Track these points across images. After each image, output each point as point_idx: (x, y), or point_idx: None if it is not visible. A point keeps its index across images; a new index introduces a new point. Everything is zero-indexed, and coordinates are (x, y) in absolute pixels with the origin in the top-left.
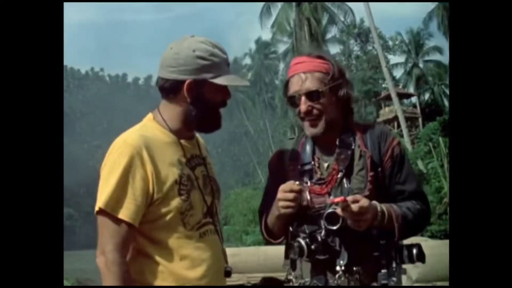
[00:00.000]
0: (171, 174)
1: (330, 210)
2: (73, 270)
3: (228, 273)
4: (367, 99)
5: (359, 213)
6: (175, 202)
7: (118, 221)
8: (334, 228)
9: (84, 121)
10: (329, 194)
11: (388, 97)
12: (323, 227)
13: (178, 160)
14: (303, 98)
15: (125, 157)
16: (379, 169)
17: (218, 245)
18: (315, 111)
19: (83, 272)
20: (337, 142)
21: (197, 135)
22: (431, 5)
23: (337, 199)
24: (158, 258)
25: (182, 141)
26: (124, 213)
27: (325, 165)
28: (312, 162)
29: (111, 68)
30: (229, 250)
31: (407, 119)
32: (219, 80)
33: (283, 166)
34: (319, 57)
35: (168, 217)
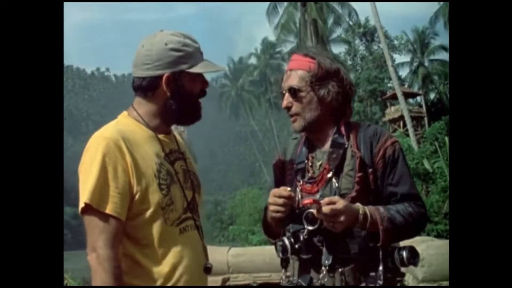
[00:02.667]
0: (150, 167)
1: (309, 210)
2: (80, 270)
3: (207, 270)
4: (372, 99)
5: (332, 216)
6: (156, 197)
7: (105, 216)
8: (311, 228)
9: (90, 121)
10: (321, 193)
11: (394, 97)
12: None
13: (157, 154)
14: (286, 94)
15: (104, 150)
16: (370, 170)
17: (198, 241)
18: (294, 108)
19: (89, 272)
20: (329, 142)
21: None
22: (437, 4)
23: (307, 201)
24: (138, 256)
25: (160, 136)
26: (110, 208)
27: (318, 164)
28: (306, 161)
29: (117, 68)
30: (235, 250)
31: (413, 118)
32: (196, 69)
33: (284, 165)
34: (308, 55)
35: (148, 213)
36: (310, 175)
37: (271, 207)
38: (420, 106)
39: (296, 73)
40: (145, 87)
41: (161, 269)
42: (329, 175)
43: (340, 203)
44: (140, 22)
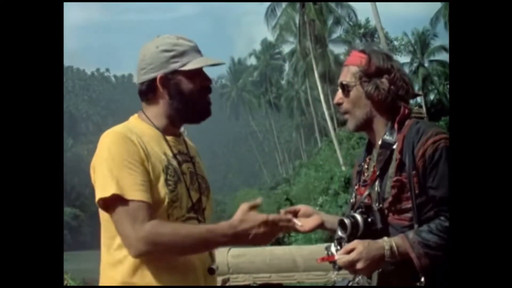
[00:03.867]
0: (158, 163)
1: (342, 217)
2: (80, 270)
3: (211, 271)
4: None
5: (350, 266)
6: (163, 191)
7: (136, 204)
8: (343, 235)
9: (89, 121)
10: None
11: None
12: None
13: (165, 153)
14: (339, 90)
15: (119, 142)
16: (414, 172)
17: None
18: (344, 105)
19: (90, 272)
20: (379, 142)
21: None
22: (437, 5)
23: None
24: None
25: (168, 137)
26: (141, 195)
27: (372, 165)
28: (363, 163)
29: (117, 68)
30: (235, 251)
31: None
32: (188, 66)
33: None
34: (362, 51)
35: (156, 207)
36: (364, 178)
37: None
38: (420, 106)
39: (348, 68)
40: (145, 92)
41: (161, 266)
42: (375, 177)
43: (354, 253)
44: (140, 22)
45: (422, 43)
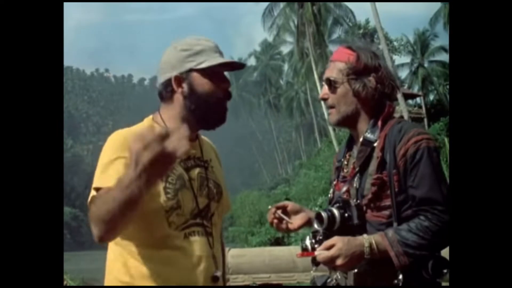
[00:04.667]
0: None
1: (319, 211)
2: (79, 270)
3: (215, 279)
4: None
5: (329, 262)
6: (160, 200)
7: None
8: (319, 228)
9: (89, 122)
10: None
11: None
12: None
13: None
14: (324, 85)
15: (117, 145)
16: (394, 171)
17: (206, 247)
18: (329, 100)
19: (89, 272)
20: (360, 139)
21: (207, 140)
22: (436, 5)
23: (299, 254)
24: (138, 258)
25: None
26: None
27: (352, 162)
28: (342, 159)
29: (116, 69)
30: (234, 251)
31: (412, 119)
32: (203, 65)
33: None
34: (350, 48)
35: (151, 214)
36: (343, 174)
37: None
38: (420, 107)
39: (335, 64)
40: (162, 92)
41: (162, 272)
42: (354, 173)
43: (334, 249)
44: (139, 22)
45: (422, 43)
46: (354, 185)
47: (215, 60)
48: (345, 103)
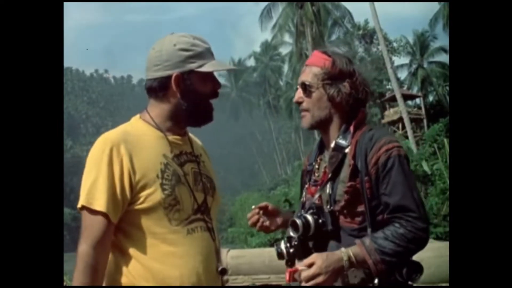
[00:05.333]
0: (152, 168)
1: (293, 218)
2: None
3: (223, 271)
4: (372, 101)
5: (310, 280)
6: (157, 197)
7: (92, 212)
8: (294, 235)
9: (89, 122)
10: (319, 196)
11: (393, 99)
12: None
13: (164, 155)
14: (299, 89)
15: (102, 151)
16: (366, 178)
17: (209, 242)
18: (304, 104)
19: None
20: (332, 144)
21: (193, 136)
22: (436, 6)
23: (287, 276)
24: (142, 257)
25: (170, 137)
26: (98, 204)
27: (323, 166)
28: (314, 163)
29: (116, 69)
30: (234, 252)
31: (412, 120)
32: (205, 68)
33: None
34: (326, 52)
35: (150, 213)
36: (314, 178)
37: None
38: (419, 108)
39: (310, 69)
40: (156, 88)
41: (165, 270)
42: (327, 179)
43: (314, 267)
44: (139, 23)
45: (421, 44)
46: (327, 191)
47: (215, 65)
48: (319, 107)
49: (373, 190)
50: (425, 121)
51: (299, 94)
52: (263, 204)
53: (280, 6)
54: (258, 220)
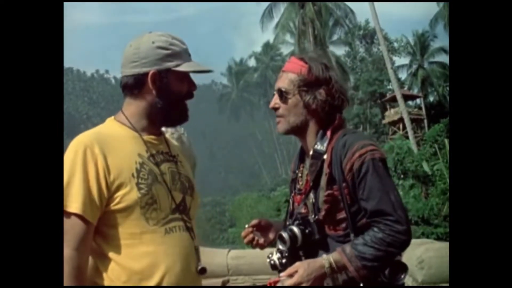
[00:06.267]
0: (127, 168)
1: (280, 232)
2: None
3: (202, 270)
4: (372, 101)
5: (296, 286)
6: (133, 196)
7: (69, 215)
8: (283, 248)
9: (90, 123)
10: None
11: (394, 99)
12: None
13: (139, 154)
14: (275, 95)
15: (76, 153)
16: (344, 184)
17: (188, 242)
18: (280, 110)
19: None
20: (311, 152)
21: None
22: (437, 6)
23: (268, 283)
24: (118, 257)
25: (146, 136)
26: (75, 207)
27: (305, 173)
28: (297, 171)
29: (117, 70)
30: (234, 253)
31: (412, 120)
32: (182, 68)
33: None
34: (302, 59)
35: (127, 212)
36: (298, 186)
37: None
38: (420, 108)
39: (287, 75)
40: (132, 85)
41: (144, 270)
42: (309, 188)
43: (296, 276)
44: (139, 24)
45: (421, 44)
46: (310, 200)
47: (192, 65)
48: (295, 113)
49: (352, 196)
50: (425, 121)
51: (275, 100)
52: (255, 221)
53: (282, 6)
54: (253, 239)
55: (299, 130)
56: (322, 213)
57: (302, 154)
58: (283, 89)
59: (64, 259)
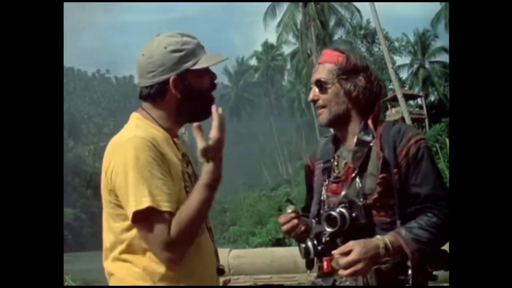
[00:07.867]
0: (178, 169)
1: (329, 212)
2: (80, 271)
3: (220, 271)
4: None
5: (349, 267)
6: (182, 197)
7: (161, 214)
8: (331, 230)
9: (90, 122)
10: (346, 193)
11: (395, 98)
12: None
13: (176, 156)
14: (313, 87)
15: (144, 150)
16: (395, 170)
17: (210, 243)
18: (320, 101)
19: (90, 273)
20: (354, 140)
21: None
22: (438, 6)
23: (324, 265)
24: (153, 260)
25: (175, 139)
26: (166, 205)
27: (343, 162)
28: (332, 160)
29: (117, 70)
30: (236, 252)
31: (413, 120)
32: (200, 64)
33: (314, 166)
34: (337, 49)
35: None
36: (335, 174)
37: (284, 230)
38: (421, 108)
39: (324, 66)
40: (154, 94)
41: (178, 271)
42: (353, 174)
43: (353, 254)
44: (140, 23)
45: (422, 44)
46: (356, 185)
47: (209, 60)
48: (336, 102)
49: (402, 182)
50: (426, 121)
51: (314, 92)
52: (294, 207)
53: (285, 4)
54: (297, 225)
55: (340, 119)
56: (374, 196)
57: (337, 143)
58: (323, 79)
59: (173, 236)
